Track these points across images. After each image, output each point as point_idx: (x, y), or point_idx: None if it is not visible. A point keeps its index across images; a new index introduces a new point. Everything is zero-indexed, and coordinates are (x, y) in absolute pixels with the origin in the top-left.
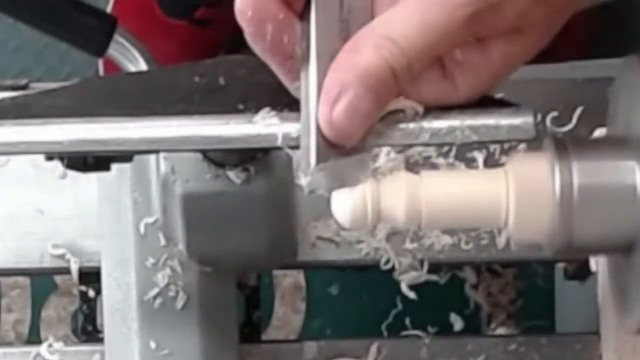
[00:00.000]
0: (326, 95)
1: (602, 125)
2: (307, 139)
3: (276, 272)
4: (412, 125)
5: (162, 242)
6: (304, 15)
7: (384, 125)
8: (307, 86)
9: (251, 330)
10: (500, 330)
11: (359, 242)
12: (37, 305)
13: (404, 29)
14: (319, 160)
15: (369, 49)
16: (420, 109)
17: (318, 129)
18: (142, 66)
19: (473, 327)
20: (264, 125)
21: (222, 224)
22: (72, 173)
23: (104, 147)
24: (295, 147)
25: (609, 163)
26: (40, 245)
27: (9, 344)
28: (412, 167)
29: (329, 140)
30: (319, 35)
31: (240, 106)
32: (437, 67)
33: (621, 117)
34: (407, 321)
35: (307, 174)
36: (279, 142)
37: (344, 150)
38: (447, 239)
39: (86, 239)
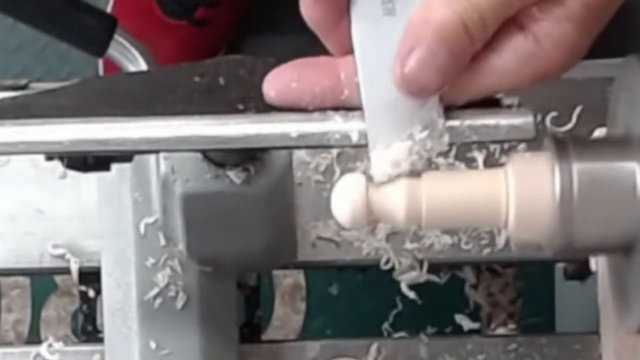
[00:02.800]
0: (399, 53)
1: (602, 125)
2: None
3: (276, 272)
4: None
5: (162, 242)
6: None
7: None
8: (357, 63)
9: (251, 330)
10: (500, 330)
11: (359, 242)
12: (37, 305)
13: None
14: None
15: (441, 4)
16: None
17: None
18: (142, 66)
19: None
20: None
21: (222, 224)
22: (72, 173)
23: (104, 147)
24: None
25: (609, 163)
26: (40, 245)
27: (9, 344)
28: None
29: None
30: (357, 11)
31: (240, 106)
32: (516, 30)
33: (621, 117)
34: (407, 321)
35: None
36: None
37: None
38: (447, 239)
39: (86, 239)
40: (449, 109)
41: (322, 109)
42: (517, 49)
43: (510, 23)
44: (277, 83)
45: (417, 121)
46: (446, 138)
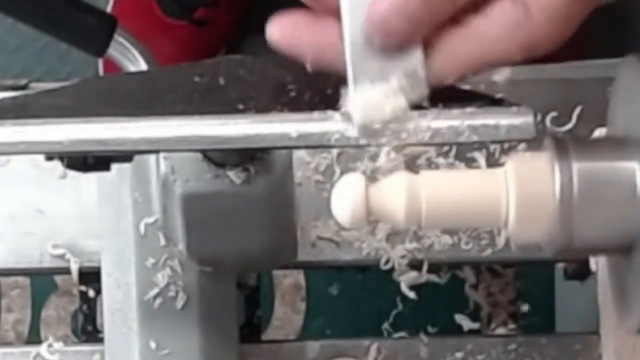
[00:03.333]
0: None
1: (602, 125)
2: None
3: (276, 272)
4: (412, 125)
5: (162, 242)
6: None
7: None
8: (342, 12)
9: (251, 330)
10: (500, 330)
11: (359, 242)
12: (37, 305)
13: None
14: (357, 83)
15: None
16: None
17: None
18: (142, 66)
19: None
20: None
21: (222, 224)
22: (72, 173)
23: (104, 147)
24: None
25: (609, 163)
26: (40, 245)
27: (9, 344)
28: (412, 167)
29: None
30: None
31: (240, 106)
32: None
33: (621, 117)
34: (407, 321)
35: (348, 99)
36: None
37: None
38: (447, 239)
39: (86, 239)
40: (449, 110)
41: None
42: (507, 17)
43: None
44: (283, 28)
45: (398, 68)
46: (425, 90)
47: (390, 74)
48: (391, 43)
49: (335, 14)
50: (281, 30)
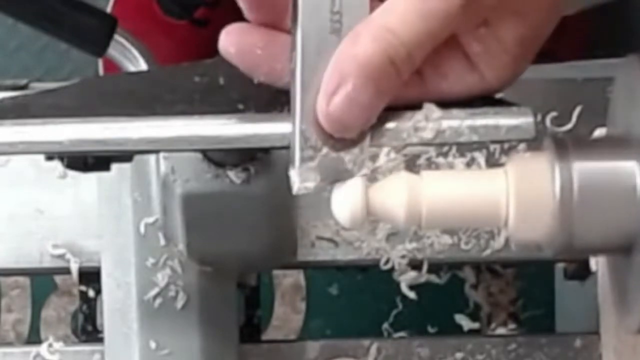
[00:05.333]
0: (325, 87)
1: (602, 125)
2: (293, 134)
3: (276, 272)
4: (411, 125)
5: (162, 242)
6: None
7: (383, 124)
8: (294, 81)
9: (251, 330)
10: (500, 330)
11: (359, 242)
12: (37, 305)
13: (403, 18)
14: (304, 155)
15: (368, 39)
16: (436, 111)
17: (309, 123)
18: (142, 66)
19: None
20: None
21: (222, 224)
22: (72, 173)
23: (104, 147)
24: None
25: (609, 163)
26: (40, 245)
27: (9, 344)
28: (412, 167)
29: (322, 132)
30: (304, 27)
31: (240, 106)
32: (462, 59)
33: (621, 117)
34: (407, 321)
35: (293, 169)
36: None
37: (336, 142)
38: (447, 239)
39: (86, 239)
40: (449, 109)
41: (271, 88)
42: (462, 77)
43: (456, 50)
44: (240, 42)
45: (350, 140)
46: (369, 164)
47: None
48: (350, 133)
49: (286, 29)
50: (238, 47)
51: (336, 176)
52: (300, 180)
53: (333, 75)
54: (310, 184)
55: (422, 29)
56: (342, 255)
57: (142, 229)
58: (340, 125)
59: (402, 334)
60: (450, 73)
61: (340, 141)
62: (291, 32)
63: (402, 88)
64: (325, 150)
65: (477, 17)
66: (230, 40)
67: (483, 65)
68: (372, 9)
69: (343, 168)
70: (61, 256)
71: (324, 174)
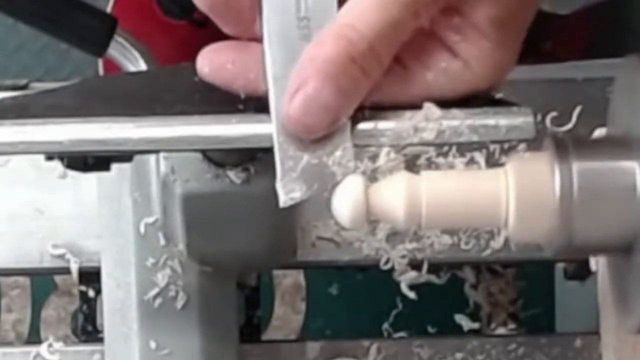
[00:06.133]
0: (289, 91)
1: (602, 125)
2: (274, 147)
3: (276, 272)
4: (412, 125)
5: (162, 242)
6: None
7: (384, 124)
8: (269, 91)
9: (251, 330)
10: (500, 330)
11: (359, 242)
12: (37, 305)
13: (362, 13)
14: (285, 167)
15: (330, 39)
16: (436, 111)
17: (285, 132)
18: (142, 66)
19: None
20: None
21: (222, 224)
22: (72, 173)
23: (104, 147)
24: None
25: (609, 163)
26: (40, 245)
27: (9, 344)
28: (412, 167)
29: (298, 139)
30: (271, 35)
31: (240, 106)
32: (445, 51)
33: (621, 117)
34: (407, 321)
35: (277, 183)
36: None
37: (317, 147)
38: (447, 239)
39: (86, 239)
40: (449, 109)
41: (253, 96)
42: (447, 68)
43: (438, 42)
44: (212, 61)
45: (329, 143)
46: (352, 164)
47: (321, 149)
48: (314, 135)
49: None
50: (211, 66)
51: (322, 181)
52: (285, 192)
53: (294, 78)
54: (296, 194)
55: (382, 21)
56: (342, 255)
57: (142, 229)
58: (302, 127)
59: (402, 334)
60: (433, 64)
61: (319, 145)
62: (261, 43)
63: (387, 83)
64: (305, 157)
65: (440, 2)
66: (203, 62)
67: (464, 53)
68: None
69: (328, 172)
70: (61, 256)
71: (309, 182)
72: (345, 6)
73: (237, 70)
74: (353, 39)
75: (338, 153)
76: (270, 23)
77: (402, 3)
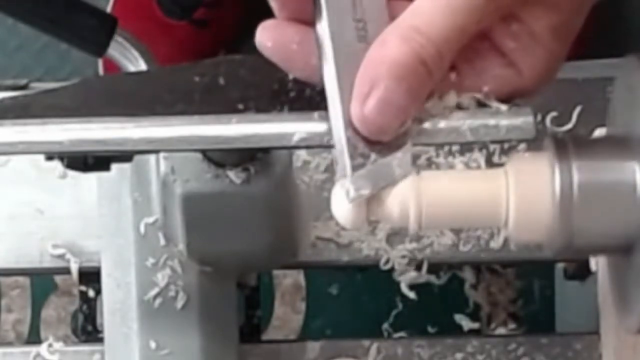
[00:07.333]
0: (357, 91)
1: (602, 125)
2: (339, 143)
3: (276, 272)
4: (411, 125)
5: (162, 242)
6: (315, 22)
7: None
8: (329, 89)
9: (251, 330)
10: (500, 330)
11: (359, 242)
12: (37, 305)
13: (429, 17)
14: (355, 163)
15: (397, 41)
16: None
17: (352, 130)
18: (142, 66)
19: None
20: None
21: (222, 224)
22: (72, 173)
23: (104, 147)
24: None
25: (609, 163)
26: (40, 245)
27: (9, 344)
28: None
29: (365, 138)
30: (334, 36)
31: (240, 106)
32: (498, 56)
33: (621, 117)
34: (407, 321)
35: (346, 179)
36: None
37: (382, 147)
38: (447, 239)
39: (86, 239)
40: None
41: (304, 83)
42: (499, 74)
43: (493, 48)
44: (277, 37)
45: (393, 143)
46: (411, 166)
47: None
48: (387, 136)
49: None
50: (274, 42)
51: (384, 180)
52: (355, 188)
53: (364, 79)
54: (365, 191)
55: (449, 26)
56: (342, 255)
57: (142, 229)
58: (377, 128)
59: (402, 334)
60: (486, 70)
61: (385, 146)
62: (318, 44)
63: (439, 86)
64: (373, 156)
65: (503, 9)
66: (267, 35)
67: (519, 60)
68: (394, 11)
69: (391, 173)
70: (61, 256)
71: (374, 180)
72: (410, 9)
73: (300, 52)
74: (422, 42)
75: (399, 154)
76: (330, 23)
77: (468, 10)
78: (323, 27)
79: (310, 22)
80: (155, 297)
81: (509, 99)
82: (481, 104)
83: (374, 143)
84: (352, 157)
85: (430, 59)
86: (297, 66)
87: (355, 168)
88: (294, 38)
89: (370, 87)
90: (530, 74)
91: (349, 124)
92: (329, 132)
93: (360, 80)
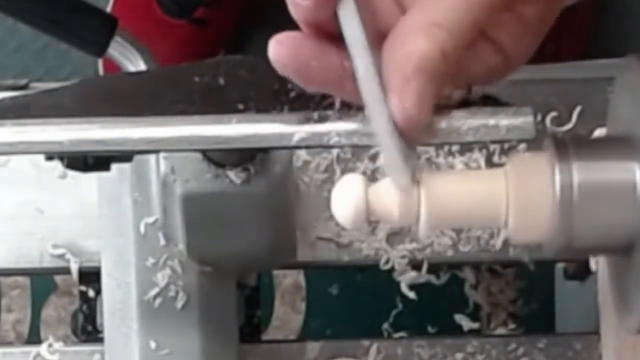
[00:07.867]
0: (392, 87)
1: (602, 125)
2: (390, 146)
3: (276, 272)
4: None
5: (162, 242)
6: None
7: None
8: (367, 86)
9: (251, 330)
10: (500, 330)
11: (359, 242)
12: (37, 305)
13: (446, 12)
14: (404, 155)
15: (421, 37)
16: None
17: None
18: (142, 66)
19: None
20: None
21: (222, 224)
22: (72, 173)
23: (104, 147)
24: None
25: (609, 163)
26: (40, 245)
27: (9, 344)
28: None
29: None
30: (364, 42)
31: (240, 106)
32: (488, 43)
33: (621, 117)
34: (407, 321)
35: (397, 172)
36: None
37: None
38: (447, 239)
39: (86, 239)
40: (449, 109)
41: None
42: (487, 61)
43: (482, 35)
44: (295, 54)
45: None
46: (416, 157)
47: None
48: (424, 132)
49: (335, 39)
50: (291, 55)
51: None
52: (406, 181)
53: (394, 76)
54: (411, 181)
55: (466, 19)
56: (342, 255)
57: (142, 229)
58: (417, 124)
59: (402, 334)
60: (474, 57)
61: (417, 142)
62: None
63: None
64: (413, 152)
65: (507, 1)
66: (284, 52)
67: (508, 47)
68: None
69: (419, 165)
70: (61, 256)
71: (414, 174)
72: (421, 4)
73: (319, 69)
74: (444, 37)
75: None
76: (351, 25)
77: (481, 4)
78: (353, 27)
79: (326, 29)
80: (155, 297)
81: (494, 82)
82: (472, 100)
83: (414, 139)
84: (401, 152)
85: (451, 53)
86: (316, 83)
87: (407, 160)
88: (312, 54)
89: (403, 84)
90: (517, 60)
91: (388, 121)
92: (329, 132)
93: (392, 78)
